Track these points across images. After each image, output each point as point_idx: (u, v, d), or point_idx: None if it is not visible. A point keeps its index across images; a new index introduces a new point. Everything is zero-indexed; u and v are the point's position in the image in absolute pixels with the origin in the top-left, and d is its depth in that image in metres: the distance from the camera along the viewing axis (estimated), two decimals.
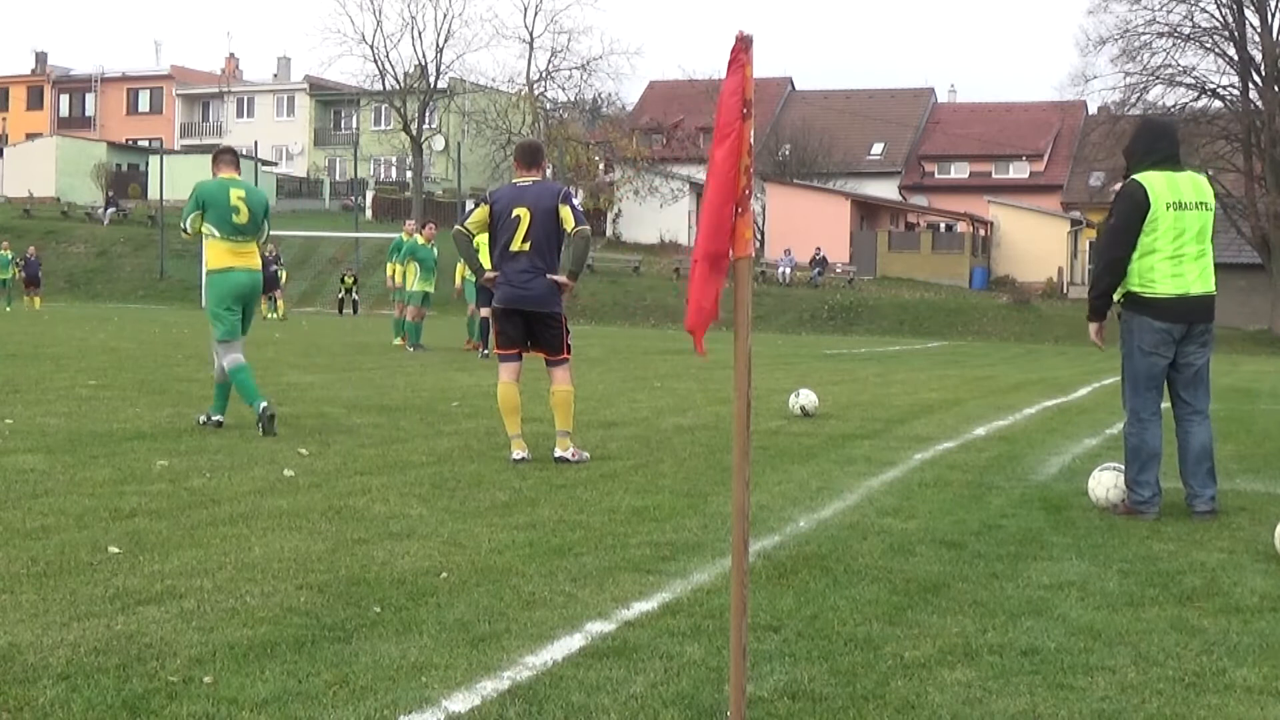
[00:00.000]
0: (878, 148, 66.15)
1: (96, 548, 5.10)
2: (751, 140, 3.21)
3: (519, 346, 8.12)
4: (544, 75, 62.52)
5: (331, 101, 76.52)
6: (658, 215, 59.43)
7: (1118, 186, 6.89)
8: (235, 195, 9.15)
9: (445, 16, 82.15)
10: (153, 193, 56.34)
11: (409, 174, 65.27)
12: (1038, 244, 53.89)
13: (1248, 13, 42.20)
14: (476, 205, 8.36)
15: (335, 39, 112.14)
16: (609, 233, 60.62)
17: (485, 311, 16.12)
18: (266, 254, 37.50)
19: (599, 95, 65.40)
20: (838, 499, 6.90)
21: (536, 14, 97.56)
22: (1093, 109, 55.14)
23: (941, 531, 6.00)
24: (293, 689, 3.51)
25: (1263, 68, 42.05)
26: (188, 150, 69.02)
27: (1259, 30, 42.14)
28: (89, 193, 64.42)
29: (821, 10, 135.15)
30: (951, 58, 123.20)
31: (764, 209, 54.32)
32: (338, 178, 71.87)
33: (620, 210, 61.65)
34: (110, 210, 60.00)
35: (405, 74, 62.17)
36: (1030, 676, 3.83)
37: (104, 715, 3.29)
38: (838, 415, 11.48)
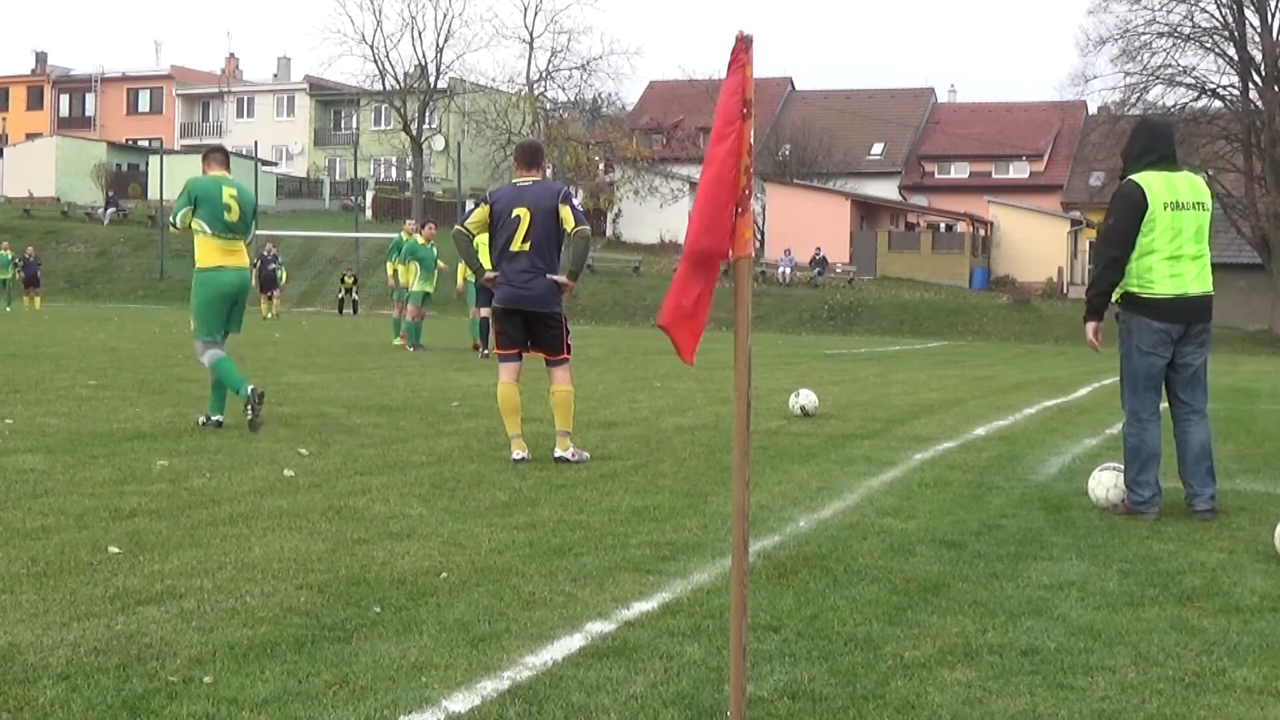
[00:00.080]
0: (878, 148, 66.14)
1: (96, 548, 5.10)
2: (751, 140, 3.21)
3: (519, 346, 8.12)
4: (544, 75, 62.57)
5: (331, 101, 76.53)
6: (658, 215, 59.45)
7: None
8: (228, 193, 9.18)
9: (445, 16, 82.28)
10: (153, 193, 56.35)
11: (409, 174, 65.28)
12: (1038, 244, 53.89)
13: (1248, 13, 42.21)
14: (476, 205, 8.36)
15: (335, 39, 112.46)
16: (609, 233, 60.64)
17: (485, 311, 16.13)
18: (265, 253, 37.76)
19: (599, 95, 65.47)
20: (838, 499, 6.90)
21: (536, 14, 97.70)
22: (1093, 109, 55.16)
23: (941, 531, 6.00)
24: (293, 689, 3.51)
25: (1263, 68, 42.05)
26: (188, 150, 68.89)
27: (1259, 30, 42.15)
28: (89, 193, 64.44)
29: (821, 10, 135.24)
30: (951, 58, 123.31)
31: (764, 209, 54.31)
32: (338, 178, 71.89)
33: (620, 210, 61.66)
34: (110, 210, 60.05)
35: (405, 74, 62.19)
36: (1030, 676, 3.83)
37: (104, 715, 3.29)
38: (838, 415, 11.48)
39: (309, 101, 76.62)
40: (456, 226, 8.36)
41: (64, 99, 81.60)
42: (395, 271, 21.68)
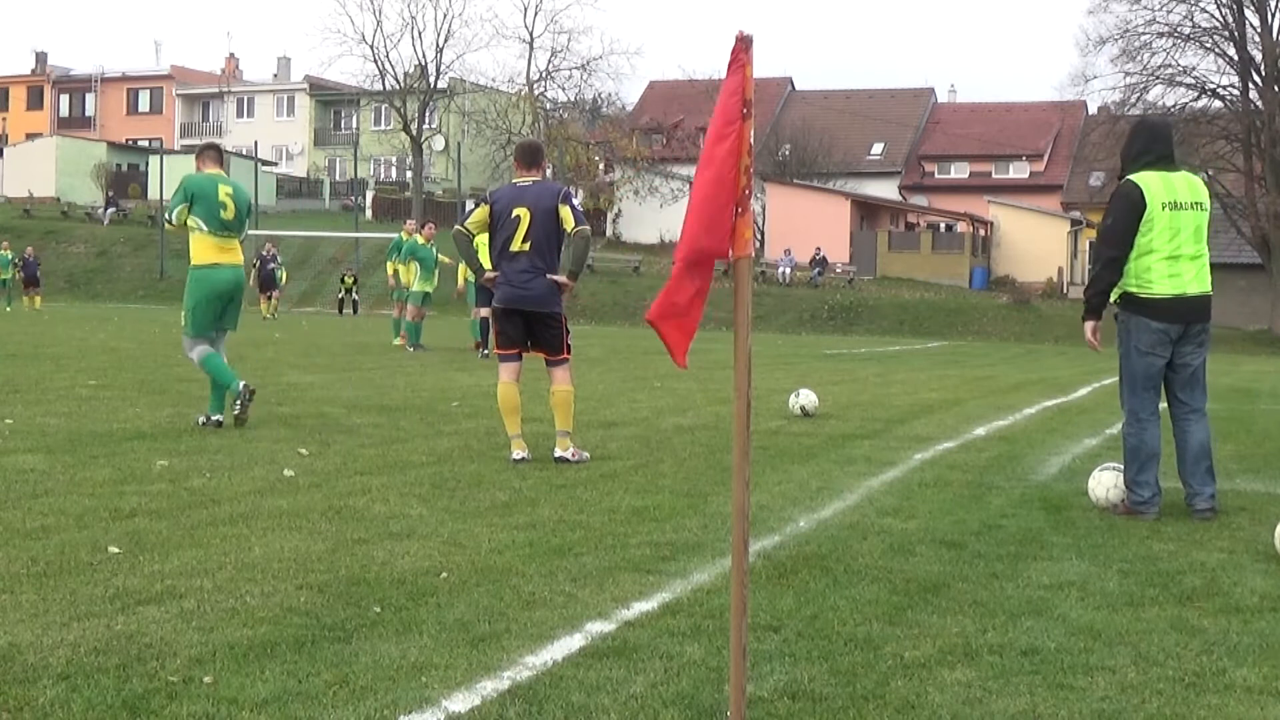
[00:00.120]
0: (878, 148, 66.12)
1: (96, 548, 5.10)
2: (751, 140, 3.21)
3: (519, 346, 8.12)
4: (544, 75, 62.57)
5: (331, 101, 76.53)
6: (658, 215, 59.44)
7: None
8: (224, 191, 9.20)
9: (445, 16, 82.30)
10: (153, 193, 56.36)
11: (409, 174, 65.28)
12: (1038, 244, 53.89)
13: (1248, 13, 42.21)
14: (477, 205, 8.37)
15: (335, 39, 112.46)
16: (609, 233, 60.64)
17: (485, 311, 16.13)
18: (264, 253, 37.76)
19: (599, 95, 65.48)
20: (838, 499, 6.90)
21: (536, 14, 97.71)
22: (1093, 109, 55.14)
23: (941, 531, 6.00)
24: (293, 689, 3.51)
25: (1263, 68, 42.06)
26: (188, 150, 68.71)
27: (1259, 30, 42.16)
28: (89, 193, 64.46)
29: (821, 10, 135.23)
30: (951, 58, 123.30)
31: (764, 209, 54.31)
32: (338, 178, 71.90)
33: (620, 210, 61.66)
34: (110, 210, 60.06)
35: (405, 74, 62.20)
36: (1030, 676, 3.83)
37: (104, 715, 3.29)
38: (838, 415, 11.48)
39: (309, 101, 76.62)
40: (456, 226, 8.36)
41: (64, 99, 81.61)
42: (395, 271, 21.69)
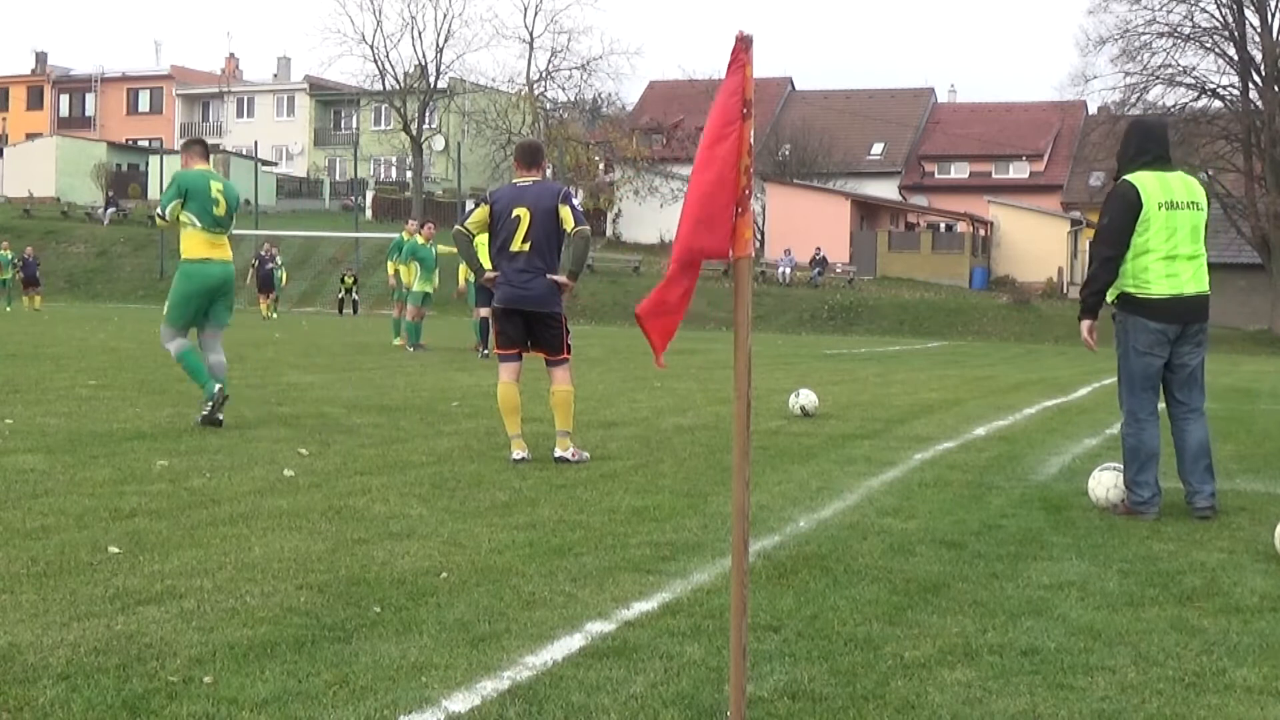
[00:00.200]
0: (878, 148, 66.13)
1: (96, 548, 5.10)
2: (751, 140, 3.21)
3: (519, 346, 8.12)
4: (544, 75, 62.57)
5: (331, 101, 76.53)
6: (658, 215, 59.42)
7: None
8: (215, 188, 9.25)
9: (445, 16, 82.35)
10: (153, 193, 56.39)
11: (409, 174, 65.28)
12: (1038, 244, 53.88)
13: (1248, 13, 42.21)
14: (477, 205, 8.37)
15: (335, 39, 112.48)
16: (609, 233, 60.63)
17: (485, 311, 16.13)
18: (263, 253, 37.74)
19: (599, 95, 65.47)
20: (838, 499, 6.90)
21: (536, 14, 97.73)
22: (1093, 109, 55.13)
23: (941, 531, 6.00)
24: (293, 689, 3.51)
25: (1263, 68, 42.05)
26: None
27: (1259, 30, 42.15)
28: (89, 193, 64.45)
29: (821, 10, 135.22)
30: (951, 58, 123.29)
31: (764, 209, 54.31)
32: (338, 178, 71.89)
33: (620, 210, 61.64)
34: (110, 210, 60.04)
35: (405, 74, 62.21)
36: (1030, 676, 3.83)
37: (104, 715, 3.29)
38: (838, 415, 11.48)
39: (309, 101, 76.62)
40: (456, 226, 8.36)
41: (64, 99, 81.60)
42: (396, 271, 21.70)
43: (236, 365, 13.67)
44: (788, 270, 50.13)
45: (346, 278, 44.73)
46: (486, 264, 8.29)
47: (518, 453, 7.92)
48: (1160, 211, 6.43)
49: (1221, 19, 42.69)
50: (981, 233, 55.08)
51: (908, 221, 58.52)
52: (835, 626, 4.29)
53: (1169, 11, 42.54)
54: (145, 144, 72.24)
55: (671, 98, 66.21)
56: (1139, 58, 42.97)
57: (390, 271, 22.20)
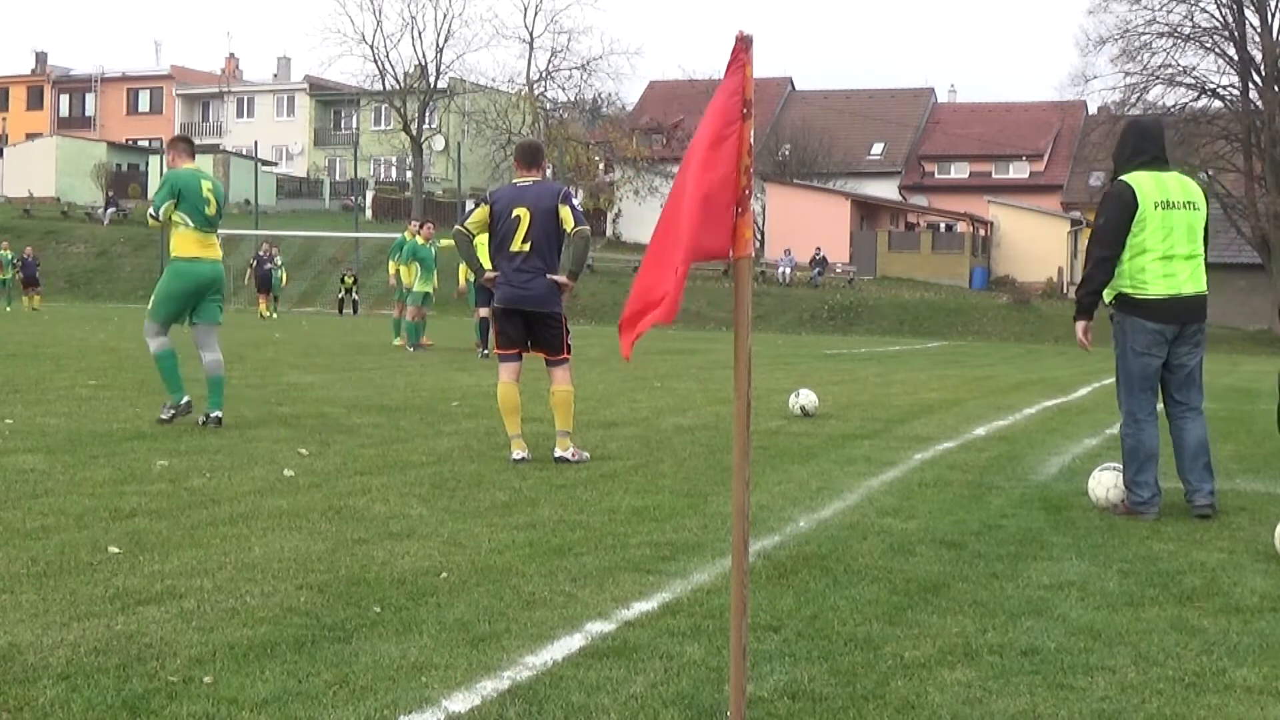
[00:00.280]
0: (878, 148, 66.12)
1: (96, 548, 5.10)
2: (751, 140, 3.21)
3: (519, 346, 8.12)
4: (544, 75, 62.59)
5: (331, 101, 76.53)
6: (657, 215, 59.05)
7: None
8: (206, 187, 9.29)
9: (445, 16, 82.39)
10: (152, 193, 56.26)
11: (409, 174, 65.29)
12: (1038, 244, 53.88)
13: (1248, 13, 42.19)
14: (477, 205, 8.37)
15: (335, 39, 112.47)
16: (609, 233, 60.63)
17: (485, 311, 16.13)
18: (262, 253, 37.72)
19: (599, 95, 65.49)
20: (838, 499, 6.90)
21: (536, 14, 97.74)
22: (1093, 109, 55.10)
23: (941, 531, 6.00)
24: (293, 689, 3.51)
25: (1263, 68, 42.04)
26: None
27: (1259, 30, 42.13)
28: (89, 193, 64.45)
29: (821, 10, 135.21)
30: (951, 58, 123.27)
31: (764, 209, 54.30)
32: (338, 178, 71.89)
33: (620, 210, 61.64)
34: (110, 210, 60.04)
35: (405, 74, 62.21)
36: (1030, 676, 3.83)
37: (104, 715, 3.29)
38: (838, 415, 11.48)
39: (309, 101, 76.62)
40: (456, 227, 8.36)
41: (64, 99, 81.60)
42: (397, 272, 21.71)
43: (236, 365, 13.68)
44: (788, 270, 50.13)
45: (346, 278, 44.72)
46: (487, 264, 8.29)
47: (518, 453, 7.92)
48: (1156, 211, 6.43)
49: (1221, 19, 42.69)
50: (981, 233, 55.08)
51: (908, 221, 58.52)
52: (835, 626, 4.29)
53: (1169, 11, 42.56)
54: (145, 144, 72.20)
55: (671, 98, 66.20)
56: (1139, 58, 42.99)
57: (391, 271, 22.22)
